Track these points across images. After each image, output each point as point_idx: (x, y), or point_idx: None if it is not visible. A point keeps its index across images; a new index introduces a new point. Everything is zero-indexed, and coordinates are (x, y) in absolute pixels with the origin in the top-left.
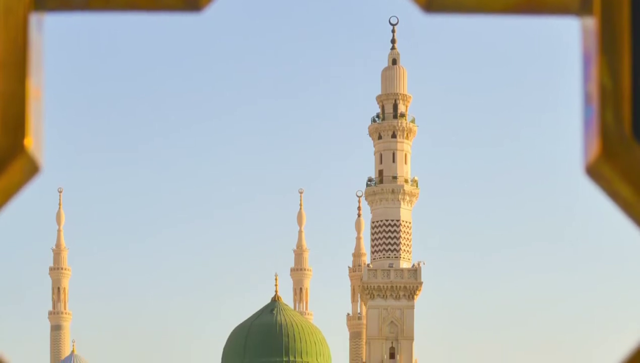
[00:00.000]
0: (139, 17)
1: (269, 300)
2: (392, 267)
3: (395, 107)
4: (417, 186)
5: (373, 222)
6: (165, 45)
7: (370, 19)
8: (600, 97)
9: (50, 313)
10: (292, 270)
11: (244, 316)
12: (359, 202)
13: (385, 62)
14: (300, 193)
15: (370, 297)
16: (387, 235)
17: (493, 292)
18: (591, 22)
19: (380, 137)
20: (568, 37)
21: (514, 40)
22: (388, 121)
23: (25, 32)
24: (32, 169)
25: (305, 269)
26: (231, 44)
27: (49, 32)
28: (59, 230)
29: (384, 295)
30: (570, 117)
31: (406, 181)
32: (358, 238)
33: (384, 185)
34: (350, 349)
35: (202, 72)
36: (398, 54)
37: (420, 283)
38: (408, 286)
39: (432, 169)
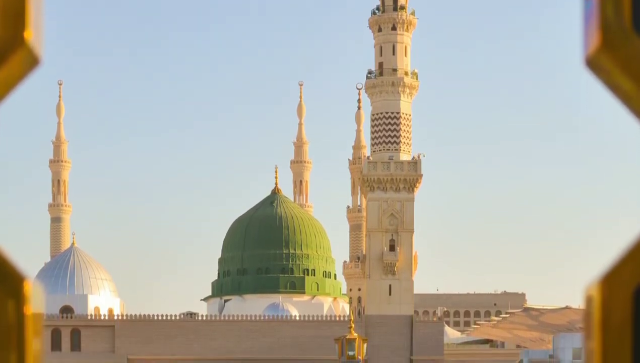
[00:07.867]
0: None
1: (269, 193)
2: (392, 159)
3: None
4: (417, 78)
5: (373, 115)
6: None
7: None
8: None
9: (50, 205)
10: (292, 162)
11: (244, 208)
12: (359, 94)
13: None
14: (300, 85)
15: (370, 189)
16: (387, 128)
17: (492, 183)
18: None
19: (380, 30)
20: None
21: None
22: (388, 13)
23: None
24: (32, 61)
25: (305, 161)
26: None
27: None
28: (59, 123)
29: (384, 188)
30: (571, 13)
31: (406, 73)
32: (358, 131)
33: (384, 77)
34: (350, 241)
35: None
36: None
37: (420, 175)
38: (408, 178)
39: (432, 61)
